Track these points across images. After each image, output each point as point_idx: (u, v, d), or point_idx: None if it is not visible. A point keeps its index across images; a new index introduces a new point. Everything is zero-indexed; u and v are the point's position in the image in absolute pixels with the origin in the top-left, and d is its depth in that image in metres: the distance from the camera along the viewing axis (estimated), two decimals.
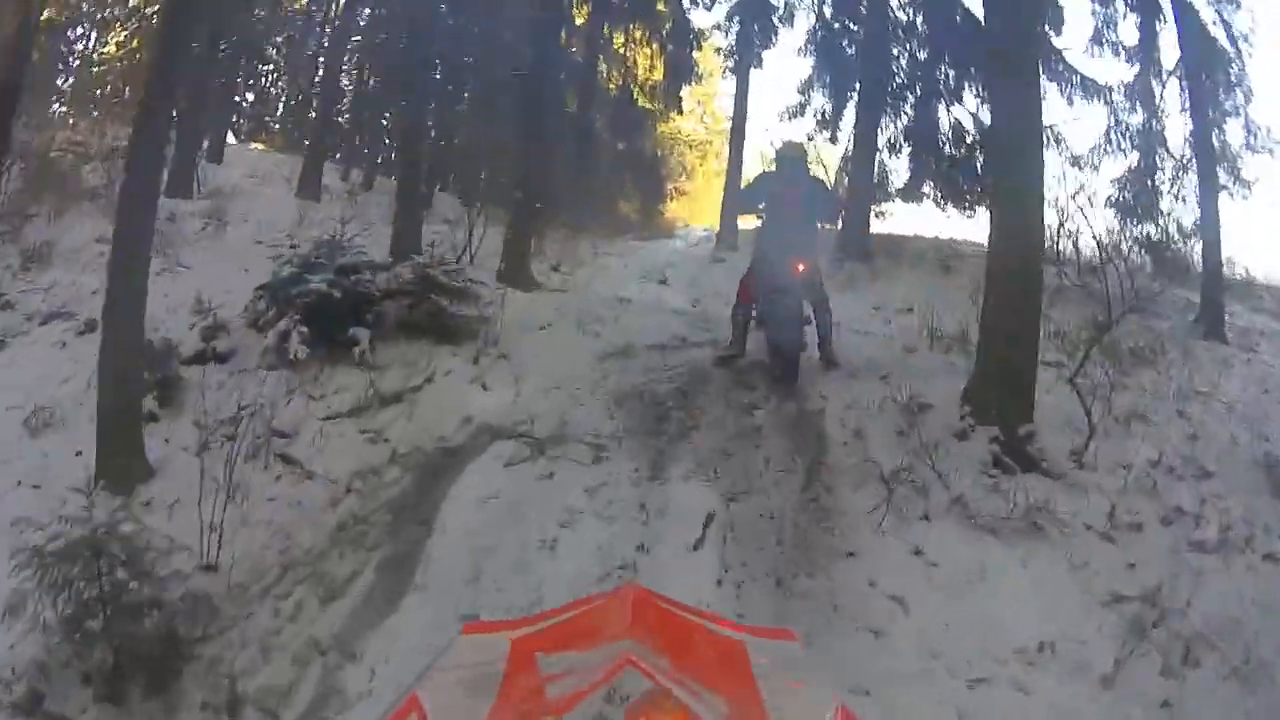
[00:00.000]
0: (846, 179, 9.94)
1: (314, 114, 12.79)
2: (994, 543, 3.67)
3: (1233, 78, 8.33)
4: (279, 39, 13.66)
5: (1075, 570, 3.54)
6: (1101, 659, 3.13)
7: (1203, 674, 3.12)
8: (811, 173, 6.39)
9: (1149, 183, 8.52)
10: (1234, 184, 8.39)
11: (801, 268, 5.18)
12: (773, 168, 6.06)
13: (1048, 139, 9.03)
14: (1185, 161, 8.24)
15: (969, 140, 9.73)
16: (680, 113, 13.69)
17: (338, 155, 13.04)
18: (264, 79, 14.88)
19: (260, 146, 13.90)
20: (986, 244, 5.01)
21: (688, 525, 3.79)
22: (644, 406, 4.81)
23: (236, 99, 13.75)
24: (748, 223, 12.88)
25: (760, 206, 5.86)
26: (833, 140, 10.79)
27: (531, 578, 3.53)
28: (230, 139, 12.73)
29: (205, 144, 10.89)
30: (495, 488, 4.10)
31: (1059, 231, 7.80)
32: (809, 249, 5.45)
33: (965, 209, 10.02)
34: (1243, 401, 5.18)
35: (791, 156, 5.79)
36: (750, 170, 11.98)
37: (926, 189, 10.14)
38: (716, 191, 14.03)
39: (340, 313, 5.16)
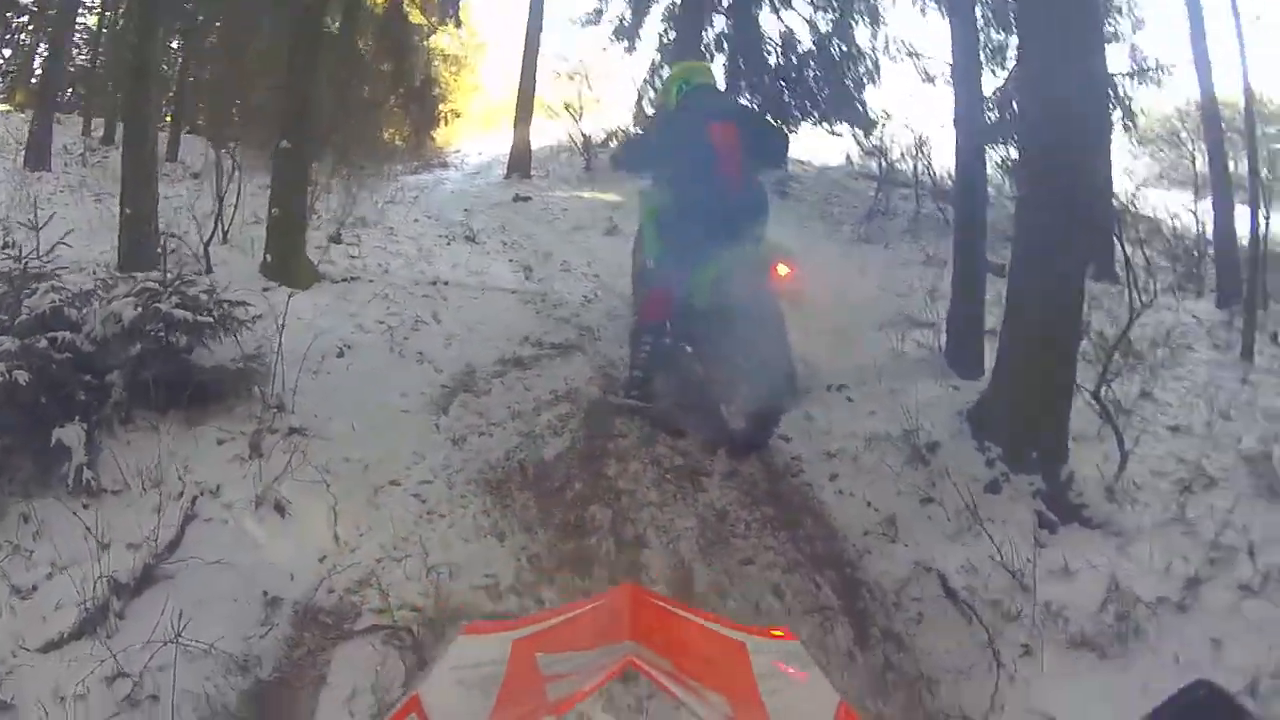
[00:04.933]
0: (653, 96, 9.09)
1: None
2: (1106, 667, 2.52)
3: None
4: None
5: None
6: None
7: None
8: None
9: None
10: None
11: (785, 270, 3.49)
12: (672, 100, 4.14)
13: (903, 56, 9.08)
14: None
15: (801, 50, 9.40)
16: (459, 25, 12.63)
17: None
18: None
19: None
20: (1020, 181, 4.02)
21: None
22: (539, 502, 3.20)
23: None
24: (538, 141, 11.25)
25: (646, 173, 4.28)
26: (630, 50, 10.15)
27: None
28: None
29: None
30: None
31: (918, 151, 8.31)
32: (763, 224, 3.76)
33: (790, 129, 9.53)
34: None
35: (702, 80, 4.12)
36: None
37: (744, 101, 9.56)
38: (480, 111, 13.22)
39: (34, 405, 2.97)
